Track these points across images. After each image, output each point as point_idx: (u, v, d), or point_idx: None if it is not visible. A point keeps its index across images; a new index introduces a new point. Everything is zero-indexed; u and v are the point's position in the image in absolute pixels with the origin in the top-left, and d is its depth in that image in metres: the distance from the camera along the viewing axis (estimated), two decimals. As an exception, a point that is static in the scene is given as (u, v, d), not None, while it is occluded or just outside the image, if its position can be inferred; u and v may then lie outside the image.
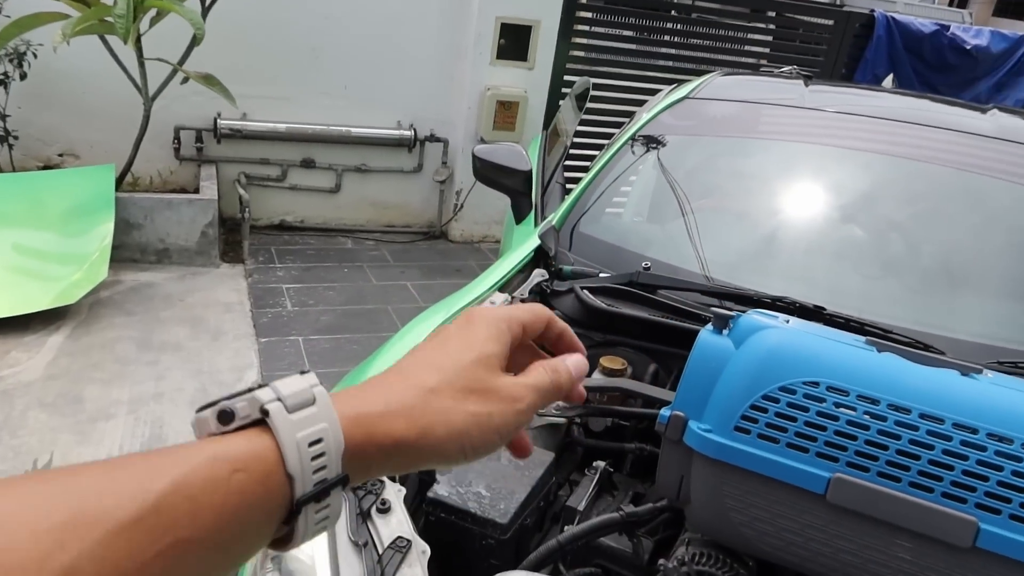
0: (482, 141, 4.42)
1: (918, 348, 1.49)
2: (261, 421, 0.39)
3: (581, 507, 1.25)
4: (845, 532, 0.95)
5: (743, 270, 1.85)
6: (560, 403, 1.44)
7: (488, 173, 2.34)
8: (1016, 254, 1.96)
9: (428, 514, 1.21)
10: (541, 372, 0.52)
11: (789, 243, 1.99)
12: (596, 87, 4.70)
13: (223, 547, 0.36)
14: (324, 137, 4.54)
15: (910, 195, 2.08)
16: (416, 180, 4.85)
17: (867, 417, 0.94)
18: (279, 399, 0.39)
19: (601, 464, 1.33)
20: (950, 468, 0.90)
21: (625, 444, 1.44)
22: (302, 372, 0.42)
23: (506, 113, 4.56)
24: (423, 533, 1.18)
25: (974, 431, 0.90)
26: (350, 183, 4.73)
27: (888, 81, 4.80)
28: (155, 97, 3.76)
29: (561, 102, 3.92)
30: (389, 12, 4.42)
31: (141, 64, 3.63)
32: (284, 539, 0.41)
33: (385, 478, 1.18)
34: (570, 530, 1.17)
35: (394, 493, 1.16)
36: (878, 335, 1.51)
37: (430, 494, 1.20)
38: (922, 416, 0.92)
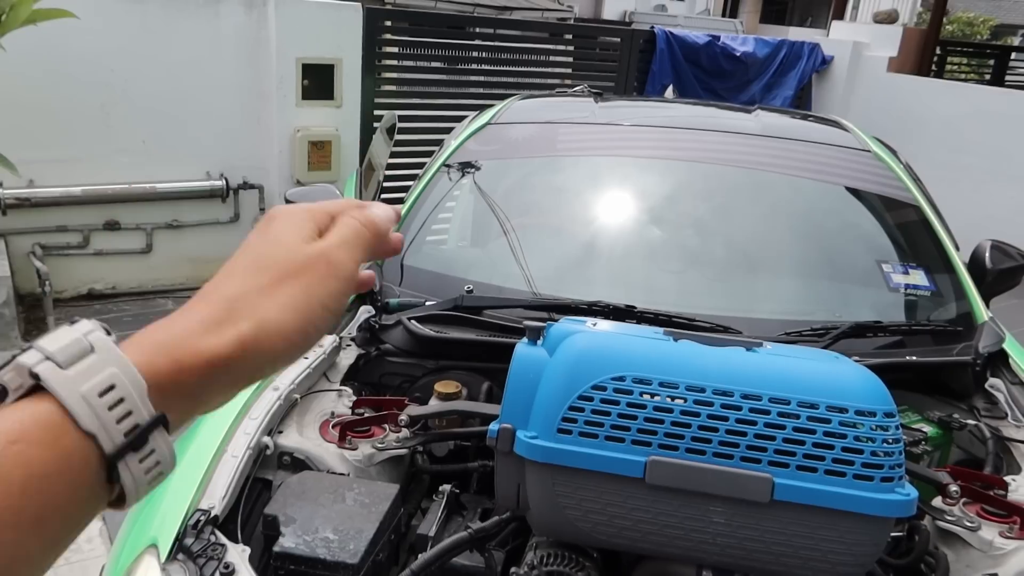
0: (298, 183, 4.35)
1: (717, 331, 1.65)
2: (39, 387, 0.36)
3: (432, 532, 1.27)
4: (667, 508, 1.04)
5: (564, 281, 1.95)
6: (400, 435, 1.46)
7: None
8: (793, 237, 2.20)
9: (277, 569, 1.19)
10: (344, 220, 0.48)
11: (600, 251, 2.12)
12: (409, 117, 4.79)
13: (31, 523, 0.34)
14: (127, 196, 4.28)
15: (701, 193, 2.28)
16: (234, 231, 4.67)
17: (669, 400, 1.03)
18: (48, 358, 0.36)
19: (447, 487, 1.36)
20: (744, 434, 1.01)
21: (468, 464, 1.48)
22: (71, 322, 0.38)
23: (319, 153, 4.52)
24: (275, 590, 1.16)
25: (758, 398, 1.02)
26: (163, 241, 4.49)
27: (669, 91, 5.23)
28: (-80, 173, 3.40)
29: (373, 136, 3.95)
30: (179, 60, 4.25)
31: (-101, 138, 3.28)
32: (118, 499, 0.39)
33: (227, 541, 1.15)
34: (422, 557, 1.19)
35: (238, 555, 1.13)
36: (683, 325, 1.66)
37: (276, 548, 1.18)
38: (715, 392, 1.03)
